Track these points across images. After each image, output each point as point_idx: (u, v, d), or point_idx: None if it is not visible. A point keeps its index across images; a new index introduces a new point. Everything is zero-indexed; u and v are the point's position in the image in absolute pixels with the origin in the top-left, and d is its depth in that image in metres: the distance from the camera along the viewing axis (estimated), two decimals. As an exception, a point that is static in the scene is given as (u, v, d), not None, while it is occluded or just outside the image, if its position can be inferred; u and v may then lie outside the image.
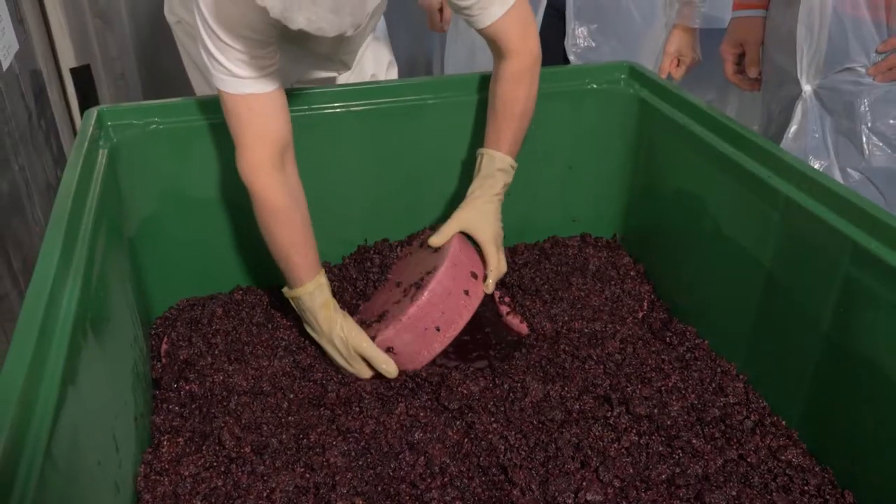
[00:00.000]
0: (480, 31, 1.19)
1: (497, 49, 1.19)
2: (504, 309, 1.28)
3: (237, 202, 1.25)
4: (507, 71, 1.19)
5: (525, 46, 1.18)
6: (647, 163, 1.33)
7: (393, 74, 1.57)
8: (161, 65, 2.09)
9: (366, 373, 1.14)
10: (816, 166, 1.27)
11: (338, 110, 1.27)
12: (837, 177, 1.25)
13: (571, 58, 1.67)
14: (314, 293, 1.13)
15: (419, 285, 1.16)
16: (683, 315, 1.24)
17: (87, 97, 2.07)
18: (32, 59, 1.77)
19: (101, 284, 0.89)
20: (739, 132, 1.08)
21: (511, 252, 1.40)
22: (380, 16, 1.39)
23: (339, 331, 1.13)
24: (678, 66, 1.66)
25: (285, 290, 1.16)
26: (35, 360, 0.67)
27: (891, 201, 1.22)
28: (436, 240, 1.20)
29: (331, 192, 1.29)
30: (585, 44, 1.66)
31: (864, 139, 1.21)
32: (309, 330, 1.17)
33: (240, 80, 1.05)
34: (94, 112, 1.17)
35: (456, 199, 1.29)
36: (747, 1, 1.42)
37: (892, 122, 1.20)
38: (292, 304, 1.17)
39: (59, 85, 2.04)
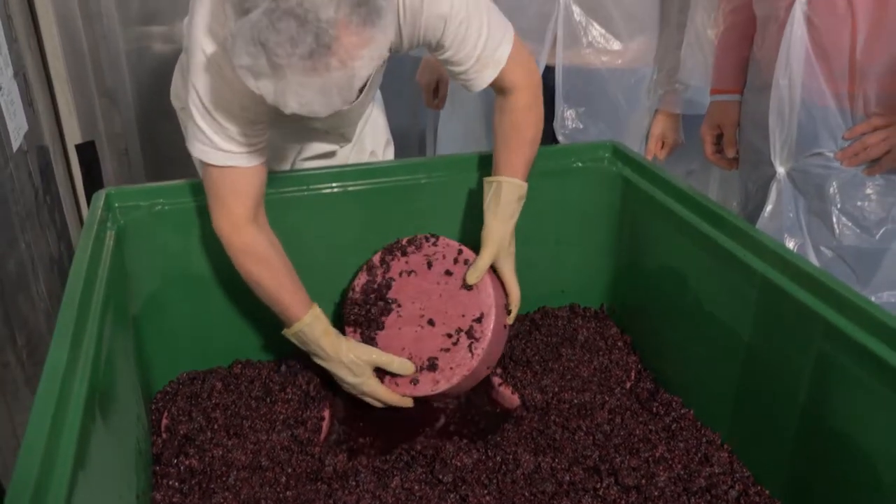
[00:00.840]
0: (453, 75, 1.24)
1: (501, 89, 1.23)
2: (496, 380, 1.32)
3: (236, 277, 1.29)
4: (517, 103, 1.23)
5: (530, 81, 1.22)
6: (631, 238, 1.39)
7: (390, 153, 1.64)
8: (163, 141, 2.16)
9: (379, 390, 1.21)
10: (791, 244, 1.33)
11: (335, 190, 1.32)
12: (811, 254, 1.31)
13: (560, 138, 1.75)
14: (312, 324, 1.19)
15: (471, 334, 1.21)
16: (669, 385, 1.28)
17: (91, 172, 2.14)
18: (40, 136, 1.84)
19: (109, 366, 0.93)
20: (717, 212, 1.14)
21: (502, 324, 1.44)
22: (375, 88, 1.44)
23: (345, 351, 1.19)
24: (662, 147, 1.75)
25: (285, 331, 1.21)
26: (48, 448, 0.70)
27: (862, 278, 1.28)
28: (472, 277, 1.24)
29: (329, 268, 1.34)
30: (573, 125, 1.74)
31: (835, 219, 1.28)
32: (317, 360, 1.22)
33: (225, 154, 1.10)
34: (102, 194, 1.23)
35: (449, 275, 1.33)
36: (723, 86, 1.50)
37: (859, 203, 1.27)
38: (294, 341, 1.22)
39: (63, 160, 2.10)
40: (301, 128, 1.41)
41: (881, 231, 1.26)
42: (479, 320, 1.22)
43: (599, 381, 1.29)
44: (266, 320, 1.35)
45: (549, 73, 1.71)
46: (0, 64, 1.51)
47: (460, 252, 1.28)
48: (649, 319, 1.36)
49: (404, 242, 1.32)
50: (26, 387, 1.45)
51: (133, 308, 1.23)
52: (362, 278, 1.33)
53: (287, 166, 1.51)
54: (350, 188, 1.33)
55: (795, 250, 1.34)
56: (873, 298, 1.29)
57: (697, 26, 1.52)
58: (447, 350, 1.22)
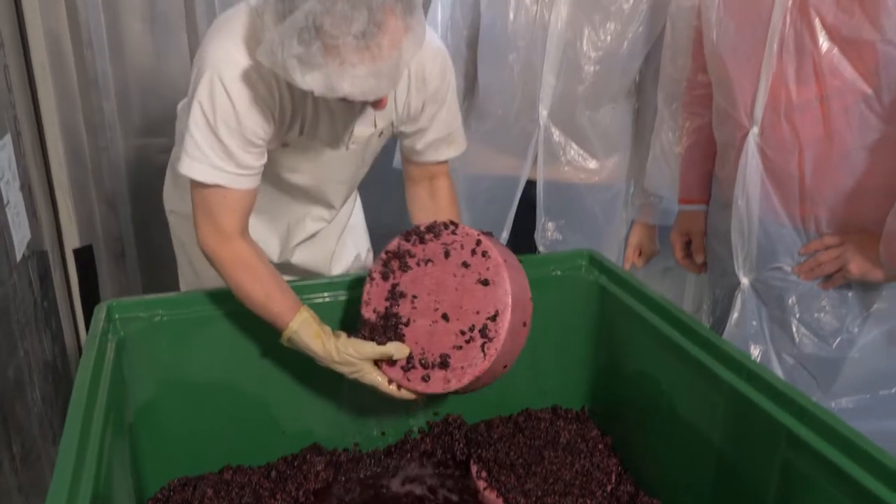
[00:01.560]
0: (415, 162, 1.43)
1: (436, 174, 1.46)
2: (481, 484, 1.35)
3: (229, 384, 1.34)
4: (447, 185, 1.47)
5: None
6: (608, 342, 1.46)
7: (370, 260, 1.72)
8: (159, 245, 2.23)
9: (379, 381, 1.22)
10: (755, 352, 1.41)
11: (327, 299, 1.39)
12: (774, 362, 1.38)
13: (540, 248, 1.85)
14: (299, 330, 1.21)
15: (485, 333, 1.16)
16: (649, 488, 1.32)
17: (88, 275, 2.20)
18: (40, 242, 1.91)
19: (109, 476, 0.97)
20: (688, 323, 1.22)
21: (487, 426, 1.49)
22: (373, 155, 1.48)
23: (338, 351, 1.20)
24: (639, 256, 1.85)
25: (281, 340, 1.24)
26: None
27: (822, 385, 1.35)
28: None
29: (318, 380, 1.39)
30: (553, 237, 1.84)
31: (795, 329, 1.36)
32: (318, 362, 1.24)
33: (217, 171, 1.18)
34: (103, 307, 1.29)
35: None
36: (689, 197, 1.61)
37: (816, 315, 1.36)
38: (292, 347, 1.25)
39: (61, 264, 2.17)
40: (285, 199, 1.48)
41: (837, 340, 1.35)
42: (493, 318, 1.16)
43: (581, 484, 1.33)
44: (257, 426, 1.39)
45: (530, 187, 1.82)
46: (9, 178, 1.60)
47: (479, 243, 1.20)
48: (628, 422, 1.41)
49: (423, 229, 1.25)
50: (19, 493, 1.46)
51: (129, 415, 1.27)
52: (376, 286, 1.26)
53: (275, 258, 1.56)
54: (341, 297, 1.39)
55: (759, 358, 1.41)
56: (833, 404, 1.36)
57: (663, 141, 1.63)
58: (460, 348, 1.17)
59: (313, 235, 1.58)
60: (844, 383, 1.34)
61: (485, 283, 1.18)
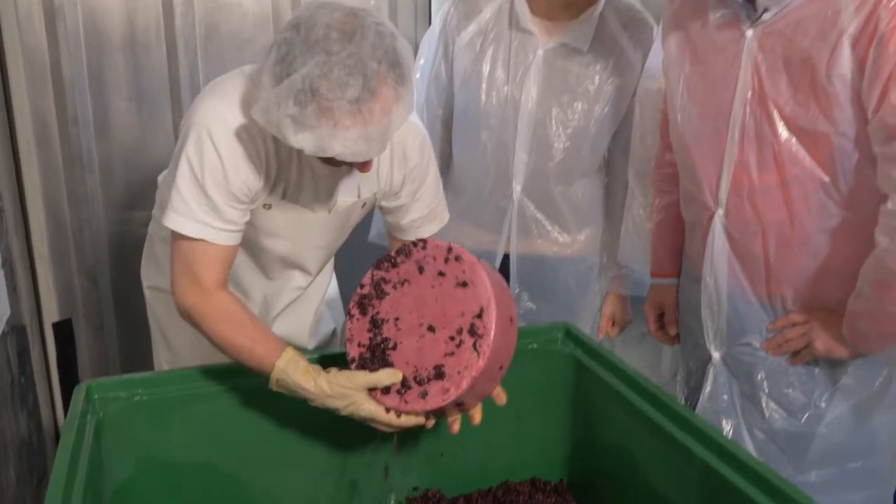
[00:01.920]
0: (400, 239, 1.47)
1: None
2: (461, 561, 1.35)
3: (208, 464, 1.34)
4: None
5: None
6: (585, 415, 1.48)
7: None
8: (138, 318, 2.23)
9: (376, 412, 1.17)
10: (727, 426, 1.43)
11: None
12: (745, 436, 1.41)
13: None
14: (287, 368, 1.19)
15: (474, 331, 1.14)
16: (628, 562, 1.33)
17: (66, 350, 2.19)
18: (20, 317, 1.91)
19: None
20: (661, 397, 1.24)
21: (466, 500, 1.49)
22: (354, 224, 1.52)
23: (328, 385, 1.17)
24: (613, 326, 1.89)
25: (270, 385, 1.22)
26: None
27: (792, 459, 1.38)
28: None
29: (296, 460, 1.39)
30: (528, 306, 1.87)
31: (764, 404, 1.39)
32: (312, 403, 1.20)
33: (201, 226, 1.21)
34: (83, 387, 1.29)
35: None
36: (660, 271, 1.65)
37: (785, 390, 1.39)
38: (281, 389, 1.22)
39: (40, 339, 2.16)
40: (262, 272, 1.50)
41: (805, 415, 1.37)
42: (479, 316, 1.14)
43: (560, 559, 1.33)
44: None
45: (506, 259, 1.87)
46: (-9, 256, 1.61)
47: (450, 250, 1.20)
48: (605, 495, 1.42)
49: (393, 254, 1.25)
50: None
51: (108, 496, 1.26)
52: (357, 322, 1.25)
53: None
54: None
55: (731, 432, 1.44)
56: (802, 478, 1.38)
57: (634, 217, 1.68)
58: (452, 354, 1.15)
59: (291, 303, 1.59)
60: (813, 457, 1.37)
61: (463, 284, 1.17)
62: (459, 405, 1.18)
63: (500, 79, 1.74)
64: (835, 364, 1.37)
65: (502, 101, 1.74)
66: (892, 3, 1.11)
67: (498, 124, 1.76)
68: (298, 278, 1.55)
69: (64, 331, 2.20)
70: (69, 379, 2.20)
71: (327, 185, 1.35)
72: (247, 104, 1.20)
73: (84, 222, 2.18)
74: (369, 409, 1.17)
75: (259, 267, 1.50)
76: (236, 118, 1.22)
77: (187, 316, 1.27)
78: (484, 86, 1.74)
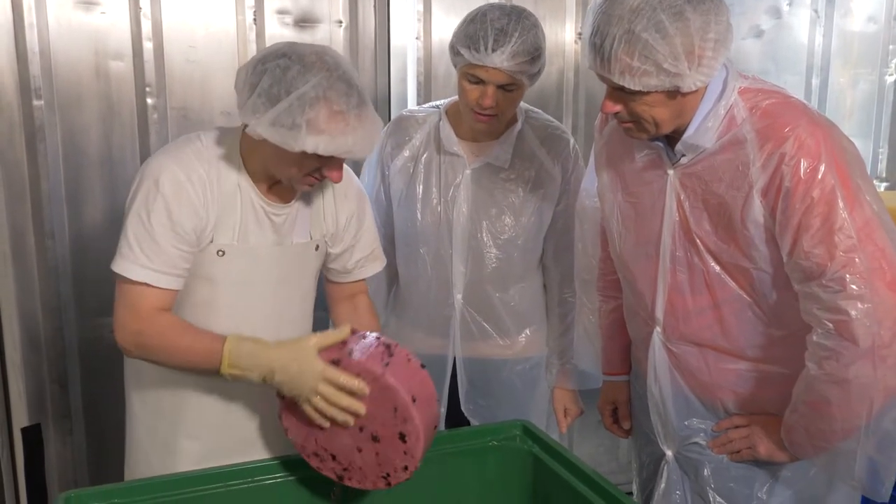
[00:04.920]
0: (341, 283, 1.65)
1: (355, 292, 1.69)
2: None
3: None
4: (367, 302, 1.71)
5: None
6: (544, 510, 1.55)
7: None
8: (108, 423, 2.26)
9: (325, 368, 1.30)
10: (682, 522, 1.51)
11: (279, 480, 1.46)
12: (697, 532, 1.49)
13: (471, 420, 1.98)
14: (236, 341, 1.36)
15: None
16: None
17: (34, 455, 2.21)
18: (-12, 426, 1.94)
19: None
20: (616, 496, 1.32)
21: None
22: (309, 281, 1.62)
23: (277, 348, 1.35)
24: (565, 417, 1.98)
25: (224, 371, 1.35)
26: None
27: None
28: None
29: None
30: (479, 403, 1.99)
31: (711, 499, 1.47)
32: (260, 377, 1.34)
33: (143, 270, 1.37)
34: (61, 499, 1.33)
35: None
36: (612, 370, 1.75)
37: (729, 484, 1.47)
38: (242, 377, 1.35)
39: (8, 444, 2.17)
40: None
41: (750, 508, 1.46)
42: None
43: None
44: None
45: (455, 363, 1.98)
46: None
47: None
48: None
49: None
50: None
51: None
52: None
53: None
54: (290, 477, 1.46)
55: (685, 527, 1.51)
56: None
57: (585, 323, 1.79)
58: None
59: None
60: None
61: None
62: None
63: (434, 198, 1.90)
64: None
65: (437, 218, 1.90)
66: (793, 162, 1.24)
67: (434, 240, 1.91)
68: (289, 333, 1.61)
69: (33, 436, 2.22)
70: (36, 484, 2.21)
71: (273, 226, 1.51)
72: (195, 157, 1.42)
73: (57, 330, 2.23)
74: (317, 366, 1.30)
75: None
76: (181, 167, 1.41)
77: (133, 345, 1.41)
78: (419, 205, 1.91)
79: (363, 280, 1.70)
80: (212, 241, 1.45)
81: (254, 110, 1.34)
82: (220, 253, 1.46)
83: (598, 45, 1.24)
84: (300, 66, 1.33)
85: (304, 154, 1.35)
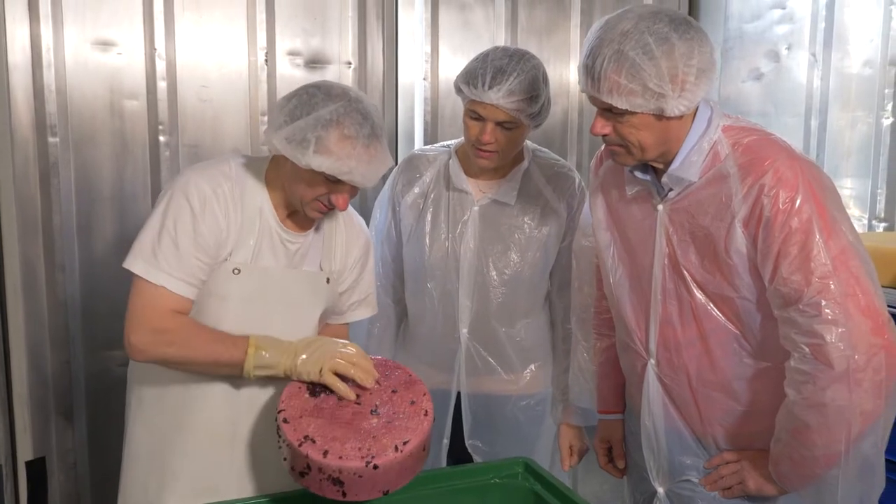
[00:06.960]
0: (330, 324, 1.67)
1: (337, 333, 1.67)
2: None
3: None
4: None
5: None
6: (545, 549, 1.55)
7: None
8: (112, 457, 2.26)
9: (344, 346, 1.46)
10: (674, 558, 1.52)
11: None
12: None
13: (475, 457, 1.99)
14: (261, 337, 1.45)
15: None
16: None
17: (38, 488, 2.21)
18: (-7, 457, 1.94)
19: None
20: (611, 531, 1.34)
21: None
22: (320, 309, 1.66)
23: (299, 342, 1.46)
24: (572, 455, 1.98)
25: (251, 353, 1.43)
26: None
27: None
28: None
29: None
30: (483, 444, 2.00)
31: (705, 534, 1.49)
32: (302, 365, 1.43)
33: (164, 274, 1.43)
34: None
35: None
36: (606, 408, 1.77)
37: (723, 518, 1.49)
38: (260, 366, 1.44)
39: (12, 476, 2.18)
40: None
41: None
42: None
43: None
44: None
45: (459, 398, 2.00)
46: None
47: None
48: None
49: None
50: None
51: None
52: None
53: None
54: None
55: (678, 564, 1.52)
56: None
57: (579, 360, 1.80)
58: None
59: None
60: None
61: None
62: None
63: (442, 234, 1.94)
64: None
65: (444, 253, 1.94)
66: (773, 193, 1.30)
67: (442, 274, 1.94)
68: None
69: (37, 469, 2.23)
70: (39, 518, 2.21)
71: (286, 252, 1.57)
72: (223, 176, 1.51)
73: (64, 363, 2.24)
74: (337, 342, 1.46)
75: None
76: (209, 183, 1.49)
77: (150, 343, 1.44)
78: (427, 241, 1.95)
79: (348, 324, 1.75)
80: (227, 259, 1.52)
81: (276, 127, 1.46)
82: (236, 271, 1.52)
83: (590, 65, 1.32)
84: (325, 95, 1.46)
85: (312, 174, 1.44)
